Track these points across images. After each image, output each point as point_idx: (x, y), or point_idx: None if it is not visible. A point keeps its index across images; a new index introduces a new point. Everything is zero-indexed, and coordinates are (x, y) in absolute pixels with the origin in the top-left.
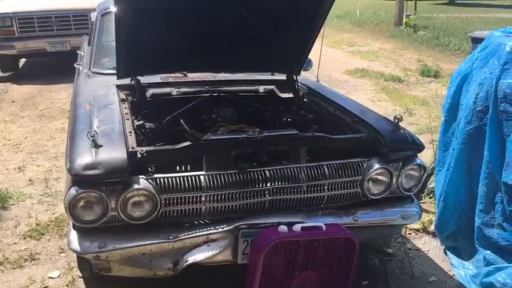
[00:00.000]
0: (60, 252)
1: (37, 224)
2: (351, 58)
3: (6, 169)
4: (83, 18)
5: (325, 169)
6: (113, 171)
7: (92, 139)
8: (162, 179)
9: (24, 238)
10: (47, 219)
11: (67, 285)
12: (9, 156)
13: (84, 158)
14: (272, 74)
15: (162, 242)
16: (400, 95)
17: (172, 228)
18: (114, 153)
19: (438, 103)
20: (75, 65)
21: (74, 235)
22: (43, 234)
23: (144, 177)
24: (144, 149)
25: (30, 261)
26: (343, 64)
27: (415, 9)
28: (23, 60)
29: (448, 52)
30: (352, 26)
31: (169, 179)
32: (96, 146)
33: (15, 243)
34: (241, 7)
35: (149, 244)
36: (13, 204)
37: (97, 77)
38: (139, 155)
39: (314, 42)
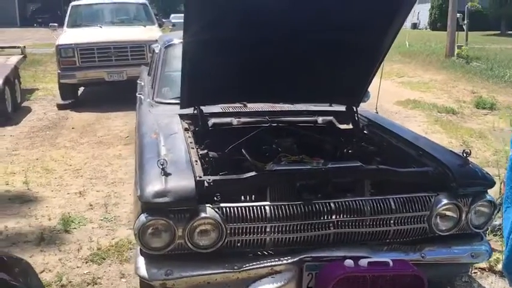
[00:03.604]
0: (121, 277)
1: (98, 249)
2: (401, 89)
3: (68, 193)
4: (140, 49)
5: (392, 203)
6: (182, 199)
7: (161, 167)
8: (228, 209)
9: (86, 262)
10: (107, 244)
11: None
12: (70, 181)
13: (154, 185)
14: (330, 105)
15: (228, 272)
16: (455, 127)
17: (237, 258)
18: (182, 182)
19: (496, 136)
20: (137, 94)
21: (141, 261)
22: (104, 259)
23: (211, 206)
24: (211, 178)
25: (93, 286)
26: (393, 95)
27: (466, 40)
28: (81, 89)
29: (504, 84)
30: (401, 57)
31: (235, 208)
32: (166, 174)
33: (78, 267)
34: (304, 39)
35: (215, 273)
36: (75, 228)
37: (160, 106)
38: (206, 184)
39: (375, 74)
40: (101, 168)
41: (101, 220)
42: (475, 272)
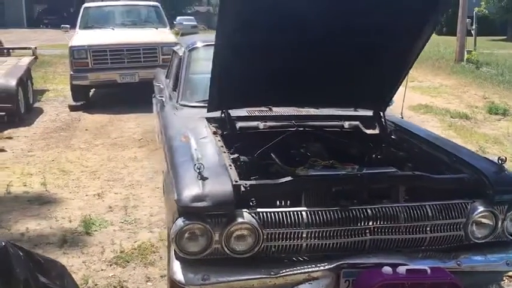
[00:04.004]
0: (147, 281)
1: (121, 251)
2: (411, 93)
3: (86, 195)
4: (152, 51)
5: (428, 210)
6: (220, 204)
7: (198, 171)
8: (264, 214)
9: (111, 265)
10: (130, 247)
11: None
12: (87, 183)
13: (192, 190)
14: (355, 110)
15: (264, 278)
16: (470, 133)
17: (273, 264)
18: (220, 186)
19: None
20: (157, 96)
21: (177, 266)
22: (128, 262)
23: (248, 211)
24: (248, 182)
25: None
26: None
27: (475, 45)
28: (91, 90)
29: None
30: None
31: (272, 213)
32: (203, 178)
33: (102, 270)
34: (334, 43)
35: (252, 279)
36: (96, 231)
37: (184, 109)
38: (243, 189)
39: (404, 79)
40: (117, 170)
41: (122, 223)
42: (503, 280)
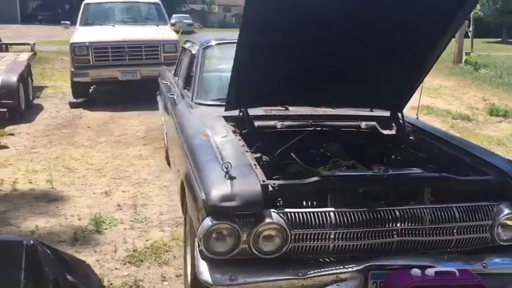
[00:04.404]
0: (163, 280)
1: (134, 250)
2: None
3: (94, 193)
4: (154, 49)
5: (455, 211)
6: (249, 203)
7: (225, 170)
8: (292, 214)
9: (124, 264)
10: (142, 246)
11: None
12: (94, 181)
13: (221, 189)
14: (371, 110)
15: (292, 279)
16: (473, 134)
17: (301, 265)
18: (248, 186)
19: None
20: (168, 94)
21: (204, 266)
22: (142, 261)
23: (276, 211)
24: (276, 182)
25: None
26: None
27: (472, 47)
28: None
29: None
30: None
31: (300, 214)
32: (231, 177)
33: (116, 269)
34: (356, 43)
35: (279, 280)
36: (106, 229)
37: (200, 107)
38: (270, 188)
39: (423, 79)
40: (123, 168)
41: (132, 221)
42: None
